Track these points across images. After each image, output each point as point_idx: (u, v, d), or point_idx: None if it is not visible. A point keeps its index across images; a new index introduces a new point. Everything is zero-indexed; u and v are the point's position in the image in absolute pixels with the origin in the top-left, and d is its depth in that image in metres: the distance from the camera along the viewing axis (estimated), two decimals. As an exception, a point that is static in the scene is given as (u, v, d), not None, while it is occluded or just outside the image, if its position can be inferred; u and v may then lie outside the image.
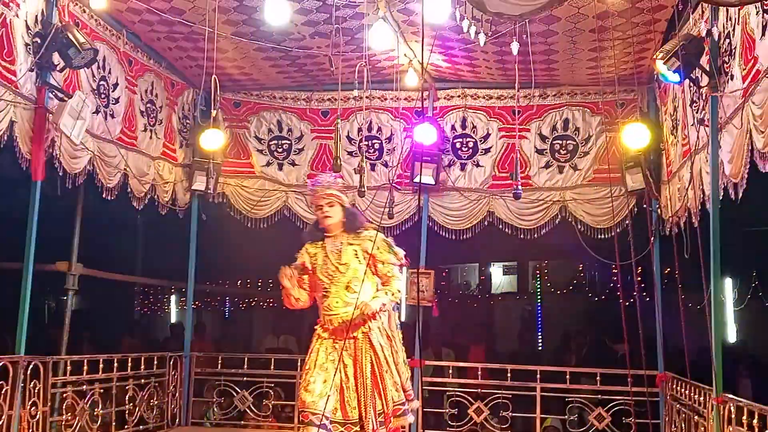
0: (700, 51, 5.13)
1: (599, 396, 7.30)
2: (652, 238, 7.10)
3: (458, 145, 7.91)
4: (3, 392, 5.30)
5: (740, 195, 4.79)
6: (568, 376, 7.39)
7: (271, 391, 7.81)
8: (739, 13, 4.67)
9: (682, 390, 6.28)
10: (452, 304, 14.70)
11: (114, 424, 6.81)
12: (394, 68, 7.27)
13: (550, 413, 7.63)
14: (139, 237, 13.01)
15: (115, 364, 6.79)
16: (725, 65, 4.99)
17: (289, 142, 8.24)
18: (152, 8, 6.21)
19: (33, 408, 5.59)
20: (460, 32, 6.05)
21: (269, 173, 8.24)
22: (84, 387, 6.45)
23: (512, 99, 7.65)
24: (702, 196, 5.56)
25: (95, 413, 6.59)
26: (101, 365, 6.60)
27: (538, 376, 7.39)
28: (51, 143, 5.74)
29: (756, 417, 4.56)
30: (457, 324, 11.71)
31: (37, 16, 5.52)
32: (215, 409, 7.99)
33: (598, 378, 7.29)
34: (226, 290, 16.38)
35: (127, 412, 7.01)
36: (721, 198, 5.13)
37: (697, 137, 5.57)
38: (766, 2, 4.15)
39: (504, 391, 7.44)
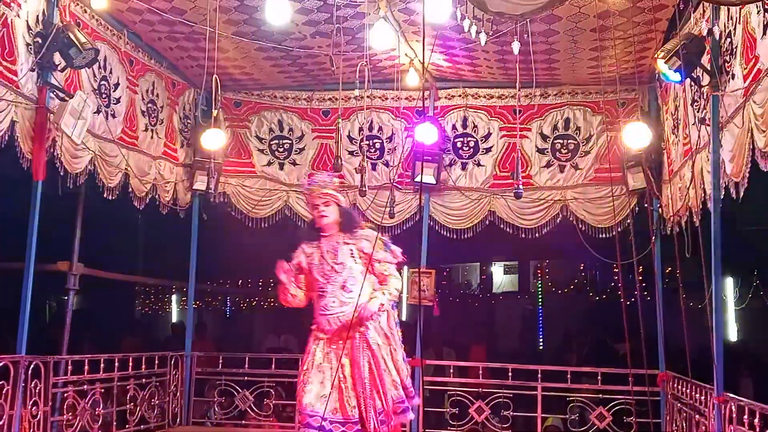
0: (701, 50, 5.13)
1: (600, 395, 7.29)
2: (653, 238, 7.09)
3: (459, 145, 7.91)
4: (4, 392, 5.30)
5: (741, 194, 4.79)
6: (569, 376, 7.39)
7: (272, 390, 7.81)
8: (740, 12, 4.67)
9: (683, 389, 6.28)
10: (453, 303, 14.73)
11: (115, 423, 6.82)
12: (395, 68, 7.27)
13: (551, 413, 7.63)
14: (140, 237, 13.03)
15: (116, 364, 6.79)
16: (726, 64, 4.99)
17: (290, 141, 8.24)
18: (153, 8, 6.21)
19: (34, 407, 5.59)
20: (461, 32, 6.05)
21: (270, 173, 8.24)
22: (85, 387, 6.45)
23: (513, 98, 7.65)
24: (703, 195, 5.56)
25: (96, 413, 6.59)
26: (102, 365, 6.61)
27: (539, 375, 7.39)
28: (52, 143, 5.73)
29: (757, 416, 4.56)
30: (458, 323, 11.74)
31: (38, 15, 5.52)
32: (216, 409, 7.99)
33: (599, 377, 7.29)
34: (227, 290, 16.41)
35: (128, 411, 7.02)
36: (722, 197, 5.13)
37: (698, 136, 5.57)
38: (767, 1, 4.15)
39: (505, 391, 7.43)
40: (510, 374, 7.44)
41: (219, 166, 7.89)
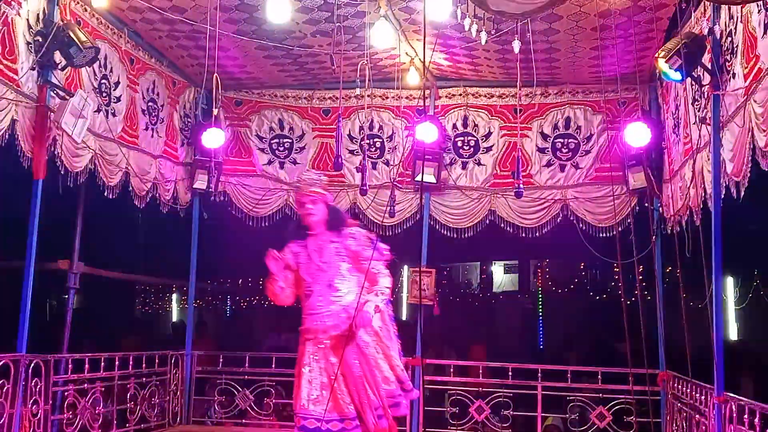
0: (701, 49, 5.13)
1: (600, 395, 7.29)
2: (654, 237, 7.10)
3: (460, 144, 7.91)
4: (4, 390, 5.30)
5: (742, 193, 4.79)
6: (569, 375, 7.39)
7: (272, 389, 7.81)
8: (740, 11, 4.66)
9: (684, 389, 6.28)
10: (453, 302, 14.72)
11: (115, 422, 6.82)
12: (396, 67, 7.27)
13: (551, 412, 7.63)
14: (141, 236, 13.03)
15: (117, 363, 6.79)
16: (727, 64, 4.98)
17: (290, 140, 8.24)
18: (154, 7, 6.21)
19: (34, 406, 5.59)
20: (461, 31, 6.05)
21: (270, 172, 8.24)
22: (85, 385, 6.45)
23: (514, 97, 7.65)
24: (703, 194, 5.56)
25: (96, 411, 6.59)
26: (103, 364, 6.61)
27: (539, 374, 7.39)
28: (52, 142, 5.73)
29: (757, 416, 4.56)
30: (458, 322, 11.72)
31: (38, 14, 5.53)
32: (216, 408, 7.99)
33: (599, 377, 7.29)
34: (228, 289, 16.41)
35: (128, 410, 7.02)
36: (722, 196, 5.13)
37: (699, 136, 5.57)
38: (767, 1, 4.15)
39: (505, 390, 7.44)
40: (510, 373, 7.44)
41: (219, 165, 7.89)
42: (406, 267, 13.45)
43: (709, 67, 5.12)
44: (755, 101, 4.43)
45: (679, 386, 6.47)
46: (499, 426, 7.43)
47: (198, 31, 6.47)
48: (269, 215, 8.17)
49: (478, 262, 16.08)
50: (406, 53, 6.98)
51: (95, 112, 6.24)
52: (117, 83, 6.66)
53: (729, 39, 4.94)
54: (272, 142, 8.27)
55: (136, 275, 12.63)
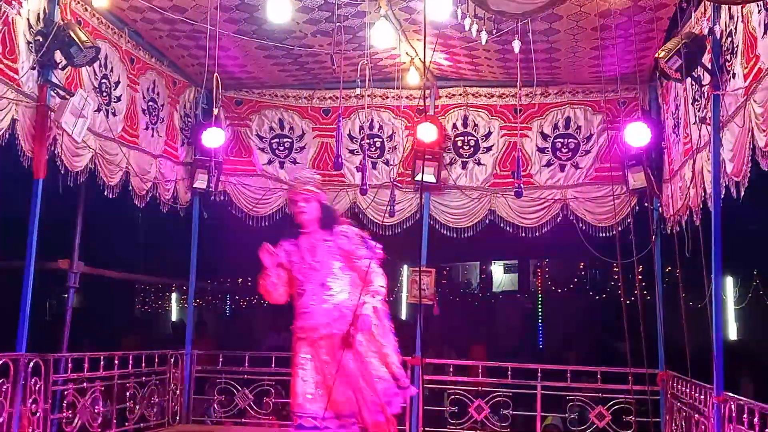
0: (702, 49, 5.13)
1: (600, 394, 7.30)
2: (654, 237, 7.11)
3: (460, 144, 7.91)
4: (4, 390, 5.30)
5: (742, 194, 4.79)
6: (568, 375, 7.40)
7: (271, 389, 7.80)
8: (741, 11, 4.66)
9: (683, 388, 6.28)
10: (453, 302, 14.74)
11: (115, 421, 6.82)
12: (396, 66, 7.27)
13: (550, 411, 7.63)
14: (141, 235, 13.03)
15: (116, 362, 6.78)
16: (727, 64, 4.99)
17: (290, 140, 8.24)
18: (154, 6, 6.21)
19: (34, 405, 5.59)
20: (461, 30, 6.05)
21: (270, 171, 8.24)
22: (85, 384, 6.45)
23: (514, 97, 7.65)
24: (703, 194, 5.56)
25: (96, 411, 6.59)
26: (102, 363, 6.60)
27: (539, 374, 7.39)
28: (53, 141, 5.73)
29: (757, 415, 4.56)
30: (457, 322, 11.73)
31: (39, 14, 5.52)
32: (216, 407, 7.99)
33: (598, 376, 7.29)
34: (228, 288, 16.42)
35: (127, 409, 7.01)
36: (722, 196, 5.13)
37: (699, 136, 5.57)
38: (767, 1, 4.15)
39: (504, 389, 7.44)
40: (509, 373, 7.44)
41: (219, 164, 7.89)
42: (405, 267, 13.46)
43: (709, 67, 5.12)
44: (755, 101, 4.44)
45: (679, 386, 6.48)
46: (498, 425, 7.43)
47: (198, 30, 6.48)
48: (269, 215, 8.17)
49: (478, 262, 16.09)
50: (407, 53, 6.98)
51: (95, 111, 6.23)
52: (117, 83, 6.66)
53: (729, 39, 4.94)
54: (272, 141, 8.27)
55: (136, 275, 12.64)
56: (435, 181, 7.68)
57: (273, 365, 7.83)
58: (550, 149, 7.73)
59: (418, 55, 6.98)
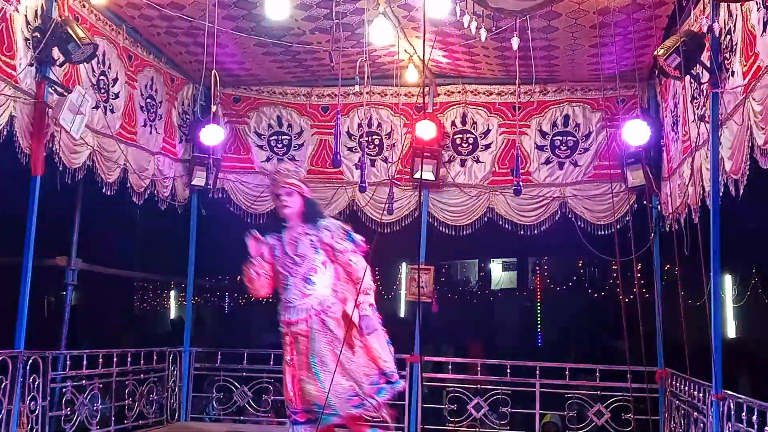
0: (700, 47, 5.12)
1: (599, 392, 7.30)
2: (652, 235, 7.11)
3: (458, 141, 7.91)
4: (2, 387, 5.30)
5: (740, 191, 4.79)
6: (567, 372, 7.40)
7: (270, 386, 7.79)
8: (740, 9, 4.66)
9: (682, 386, 6.28)
10: (452, 300, 14.73)
11: (113, 419, 6.82)
12: (395, 64, 7.27)
13: (549, 409, 7.63)
14: (139, 232, 13.02)
15: (115, 359, 6.78)
16: (726, 61, 4.98)
17: (288, 137, 8.23)
18: (152, 3, 6.20)
19: (32, 402, 5.59)
20: (460, 28, 6.04)
21: (269, 169, 8.23)
22: (83, 382, 6.45)
23: (513, 95, 7.65)
24: (702, 192, 5.55)
25: (94, 408, 6.59)
26: (101, 360, 6.60)
27: (538, 372, 7.40)
28: (51, 138, 5.73)
29: (755, 413, 4.57)
30: (456, 320, 11.73)
31: (36, 10, 5.51)
32: (214, 405, 7.99)
33: (597, 374, 7.30)
34: (226, 285, 16.39)
35: (126, 407, 7.01)
36: (721, 194, 5.13)
37: (698, 133, 5.56)
38: (767, -2, 4.15)
39: (503, 387, 7.44)
40: (508, 371, 7.44)
41: (218, 161, 7.88)
42: (404, 264, 13.46)
43: (708, 64, 5.12)
44: (754, 99, 4.43)
45: (678, 384, 6.48)
46: (497, 423, 7.44)
47: (196, 27, 6.47)
48: (267, 212, 8.15)
49: (477, 260, 16.08)
50: (405, 50, 6.97)
51: (93, 108, 6.23)
52: (115, 80, 6.65)
53: (728, 37, 4.94)
54: (271, 139, 8.26)
55: (134, 272, 12.61)
56: (434, 178, 7.68)
57: (271, 363, 7.82)
58: (548, 147, 7.72)
59: (417, 53, 6.97)
